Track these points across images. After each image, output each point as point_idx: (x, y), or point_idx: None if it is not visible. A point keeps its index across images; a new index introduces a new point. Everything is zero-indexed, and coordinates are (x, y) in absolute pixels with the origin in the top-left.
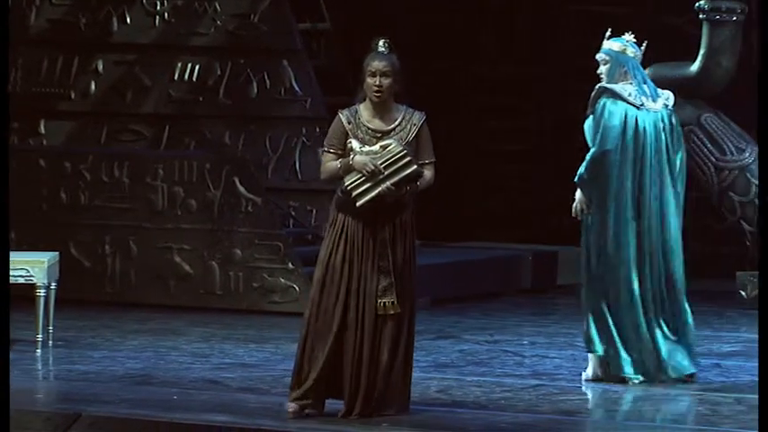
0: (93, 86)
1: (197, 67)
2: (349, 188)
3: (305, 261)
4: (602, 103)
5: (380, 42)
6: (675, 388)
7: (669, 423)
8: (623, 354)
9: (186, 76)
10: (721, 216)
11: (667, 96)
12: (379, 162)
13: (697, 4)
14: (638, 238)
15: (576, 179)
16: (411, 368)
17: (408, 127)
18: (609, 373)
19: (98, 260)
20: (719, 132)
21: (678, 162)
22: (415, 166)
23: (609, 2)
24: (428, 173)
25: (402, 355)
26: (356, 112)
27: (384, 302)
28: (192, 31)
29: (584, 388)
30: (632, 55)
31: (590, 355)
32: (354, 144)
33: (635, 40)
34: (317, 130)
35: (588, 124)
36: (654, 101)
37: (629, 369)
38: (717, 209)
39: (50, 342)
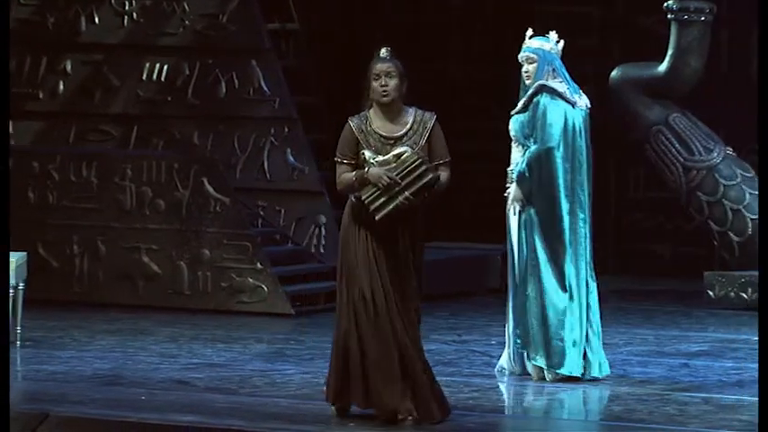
0: (61, 86)
1: (165, 67)
2: (366, 202)
3: (273, 261)
4: (541, 100)
5: (383, 50)
6: (643, 387)
7: (637, 423)
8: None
9: (155, 76)
10: (689, 216)
11: (585, 97)
12: (395, 173)
13: (665, 4)
14: (573, 233)
15: (515, 176)
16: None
17: (420, 130)
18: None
19: (66, 260)
20: (687, 132)
21: (590, 160)
22: (432, 174)
23: (579, 2)
24: (443, 174)
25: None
26: (366, 119)
27: (417, 306)
28: (160, 31)
29: (552, 387)
30: (556, 53)
31: (506, 348)
32: (367, 154)
33: (557, 38)
34: (286, 130)
35: (519, 120)
36: (580, 98)
37: (541, 361)
38: (684, 209)
39: (18, 342)
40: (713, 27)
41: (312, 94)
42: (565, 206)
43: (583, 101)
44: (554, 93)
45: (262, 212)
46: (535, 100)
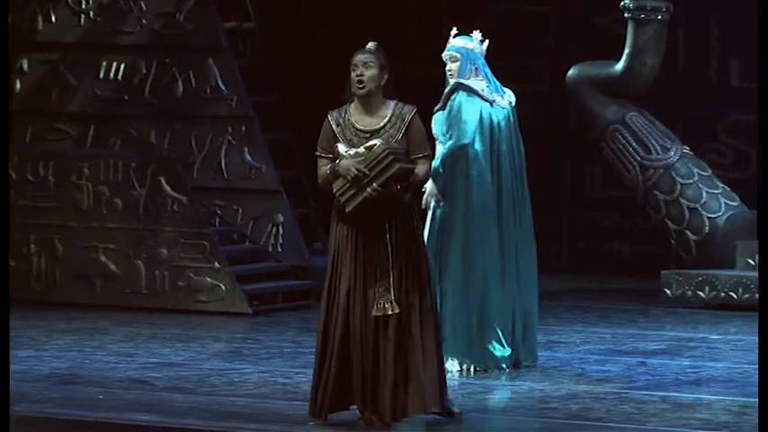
0: (18, 85)
1: (122, 66)
2: (337, 195)
3: (231, 260)
4: (457, 98)
5: (369, 44)
6: (600, 386)
7: (595, 421)
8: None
9: (112, 75)
10: (646, 215)
11: (510, 94)
12: (364, 165)
13: (622, 3)
14: (498, 229)
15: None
16: (435, 368)
17: (398, 123)
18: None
19: (23, 259)
20: (644, 131)
21: (523, 160)
22: (399, 165)
23: (536, 1)
24: (422, 167)
25: (418, 353)
26: (345, 112)
27: (382, 303)
28: (117, 29)
29: (503, 385)
30: (480, 52)
31: None
32: (340, 148)
33: (480, 38)
34: (243, 128)
35: (439, 118)
36: (501, 97)
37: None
38: (642, 207)
39: None
40: (670, 26)
41: (269, 92)
42: (480, 203)
43: (505, 99)
44: (470, 91)
45: (219, 211)
46: (452, 98)
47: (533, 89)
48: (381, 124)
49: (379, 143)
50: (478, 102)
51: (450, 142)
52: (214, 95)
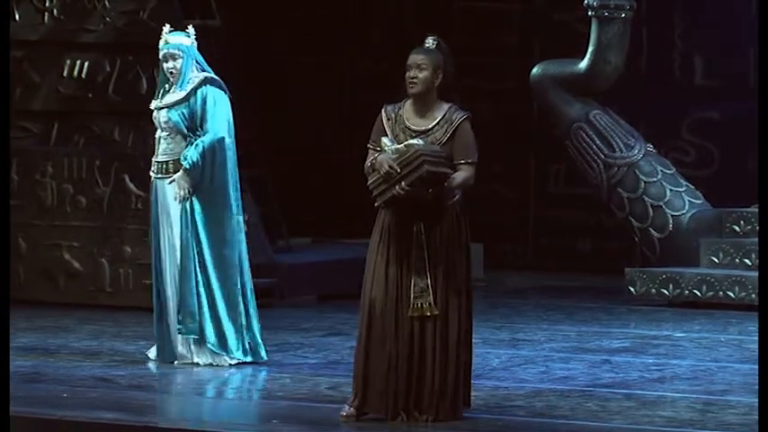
0: None
1: (86, 64)
2: (370, 187)
3: None
4: (208, 92)
5: (428, 39)
6: (564, 383)
7: (559, 419)
8: (233, 336)
9: (75, 73)
10: (610, 212)
11: None
12: (397, 162)
13: (586, 1)
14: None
15: (188, 166)
16: (463, 371)
17: (445, 126)
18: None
19: None
20: (608, 129)
21: None
22: (427, 168)
23: None
24: (462, 174)
25: (451, 358)
26: (400, 108)
27: (420, 304)
28: (81, 27)
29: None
30: (195, 47)
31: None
32: (385, 141)
33: (195, 33)
34: None
35: (180, 112)
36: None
37: (238, 351)
38: (606, 205)
39: None
40: (633, 24)
41: (232, 90)
42: (233, 195)
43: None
44: (217, 85)
45: None
46: (200, 92)
47: (497, 87)
48: (430, 126)
49: (415, 143)
50: (225, 95)
51: (207, 136)
52: None
